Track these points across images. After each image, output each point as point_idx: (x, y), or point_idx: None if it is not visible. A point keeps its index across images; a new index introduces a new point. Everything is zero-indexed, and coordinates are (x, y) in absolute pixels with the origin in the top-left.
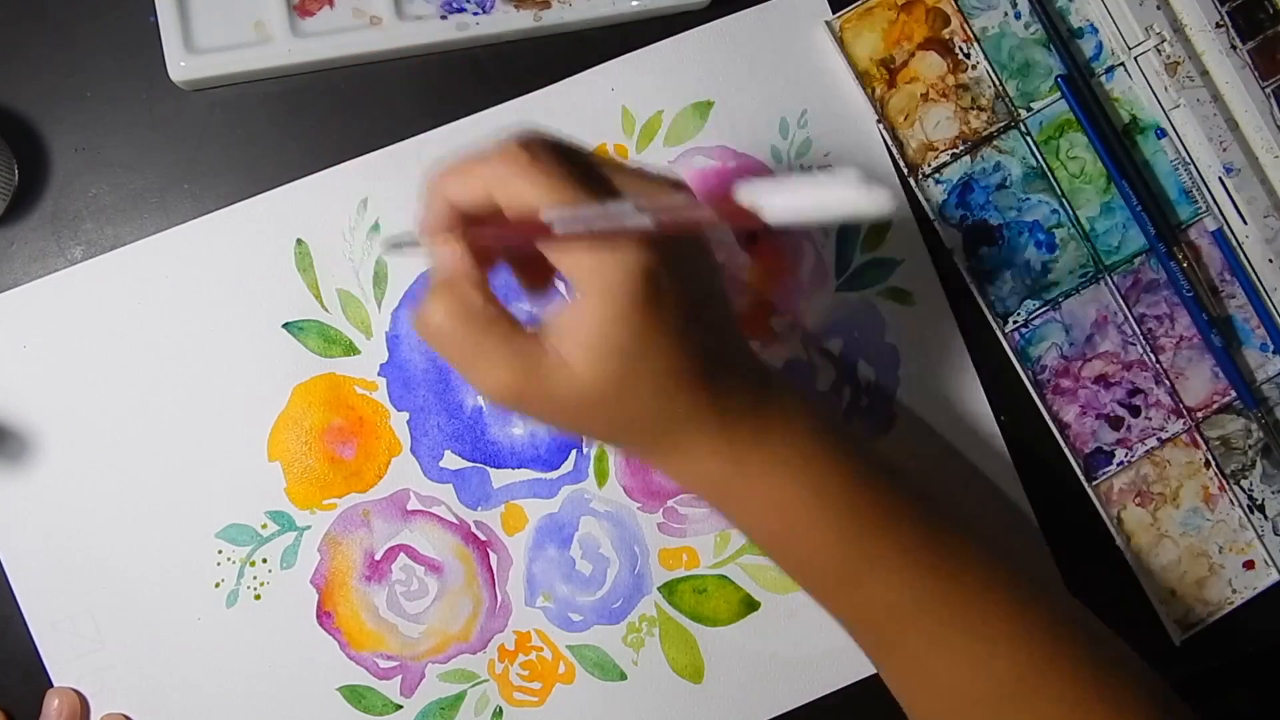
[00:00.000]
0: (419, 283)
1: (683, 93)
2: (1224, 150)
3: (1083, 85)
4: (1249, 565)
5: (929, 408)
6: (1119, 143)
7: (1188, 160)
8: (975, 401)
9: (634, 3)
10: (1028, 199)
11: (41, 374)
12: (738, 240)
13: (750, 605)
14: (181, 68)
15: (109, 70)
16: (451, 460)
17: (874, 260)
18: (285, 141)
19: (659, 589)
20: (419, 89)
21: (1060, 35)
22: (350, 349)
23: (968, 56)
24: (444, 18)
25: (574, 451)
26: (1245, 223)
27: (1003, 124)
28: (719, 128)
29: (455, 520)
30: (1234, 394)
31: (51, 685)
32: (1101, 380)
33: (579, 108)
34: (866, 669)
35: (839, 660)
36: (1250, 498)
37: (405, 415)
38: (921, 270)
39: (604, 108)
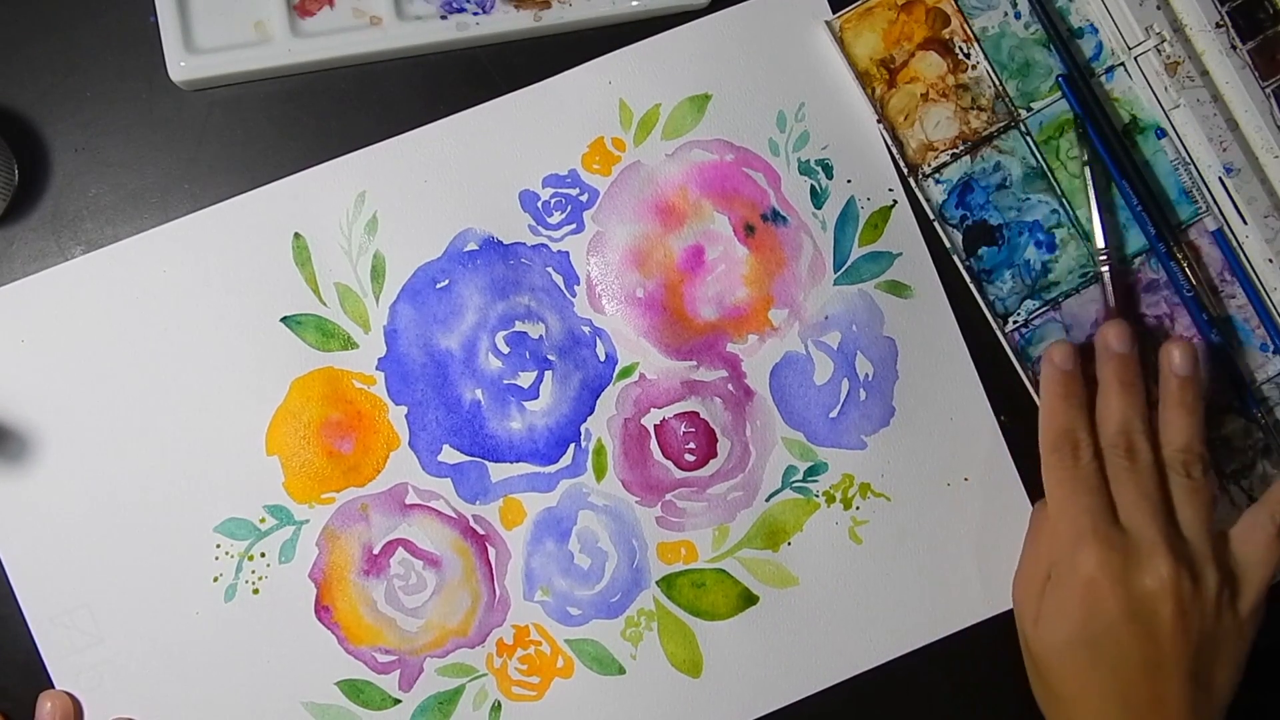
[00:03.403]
0: (417, 277)
1: (680, 86)
2: (1224, 150)
3: (1083, 85)
4: None
5: (928, 400)
6: (1119, 142)
7: (1188, 160)
8: (974, 393)
9: (634, 2)
10: (1028, 199)
11: (39, 369)
12: (735, 234)
13: (749, 599)
14: (181, 68)
15: (109, 70)
16: (450, 454)
17: (871, 253)
18: (285, 141)
19: (657, 583)
20: (419, 89)
21: (1060, 35)
22: (348, 343)
23: (968, 56)
24: (444, 18)
25: (572, 445)
26: (1245, 223)
27: (1003, 124)
28: (716, 121)
29: (453, 514)
30: (1234, 394)
31: (50, 681)
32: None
33: (576, 101)
34: (865, 663)
35: (837, 654)
36: (1250, 498)
37: (403, 409)
38: (919, 263)
39: (601, 101)
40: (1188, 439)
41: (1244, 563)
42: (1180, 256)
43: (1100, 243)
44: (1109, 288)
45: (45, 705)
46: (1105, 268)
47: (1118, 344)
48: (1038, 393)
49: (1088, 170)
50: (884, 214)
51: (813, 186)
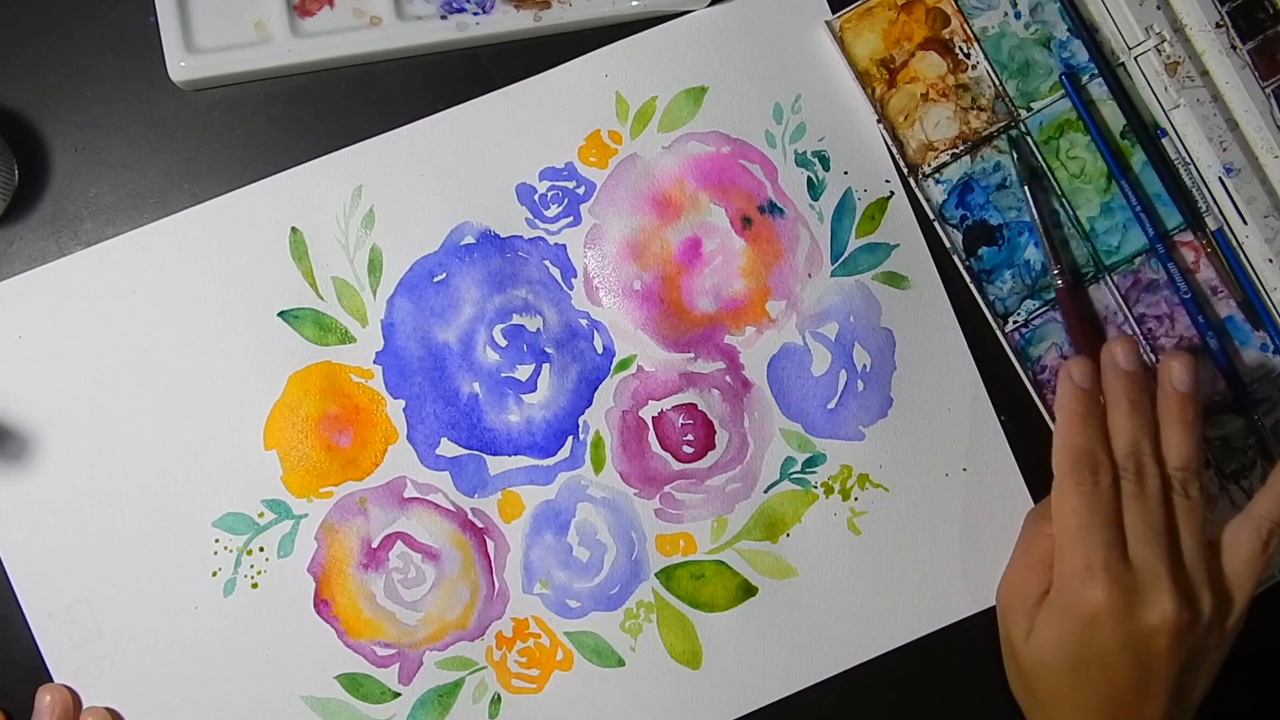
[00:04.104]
0: (414, 271)
1: (676, 78)
2: (1224, 150)
3: (1105, 71)
4: None
5: (926, 390)
6: (1145, 133)
7: (1188, 160)
8: (972, 383)
9: (634, 2)
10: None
11: (37, 364)
12: (732, 225)
13: (748, 591)
14: (181, 68)
15: (109, 70)
16: (448, 447)
17: (869, 245)
18: (285, 141)
19: (656, 575)
20: (419, 89)
21: (1086, 24)
22: (346, 337)
23: (968, 56)
24: (444, 18)
25: (570, 438)
26: (1245, 223)
27: (1003, 124)
28: (713, 113)
29: (452, 507)
30: (1234, 394)
31: (50, 676)
32: None
33: (572, 94)
34: (865, 654)
35: (837, 645)
36: (1250, 498)
37: (401, 403)
38: (916, 254)
39: (597, 94)
40: (1186, 457)
41: (1230, 577)
42: (1205, 242)
43: (1053, 261)
44: (1063, 305)
45: (44, 699)
46: (1060, 282)
47: (1125, 361)
48: (1037, 393)
49: (1027, 190)
50: (881, 205)
51: (809, 178)
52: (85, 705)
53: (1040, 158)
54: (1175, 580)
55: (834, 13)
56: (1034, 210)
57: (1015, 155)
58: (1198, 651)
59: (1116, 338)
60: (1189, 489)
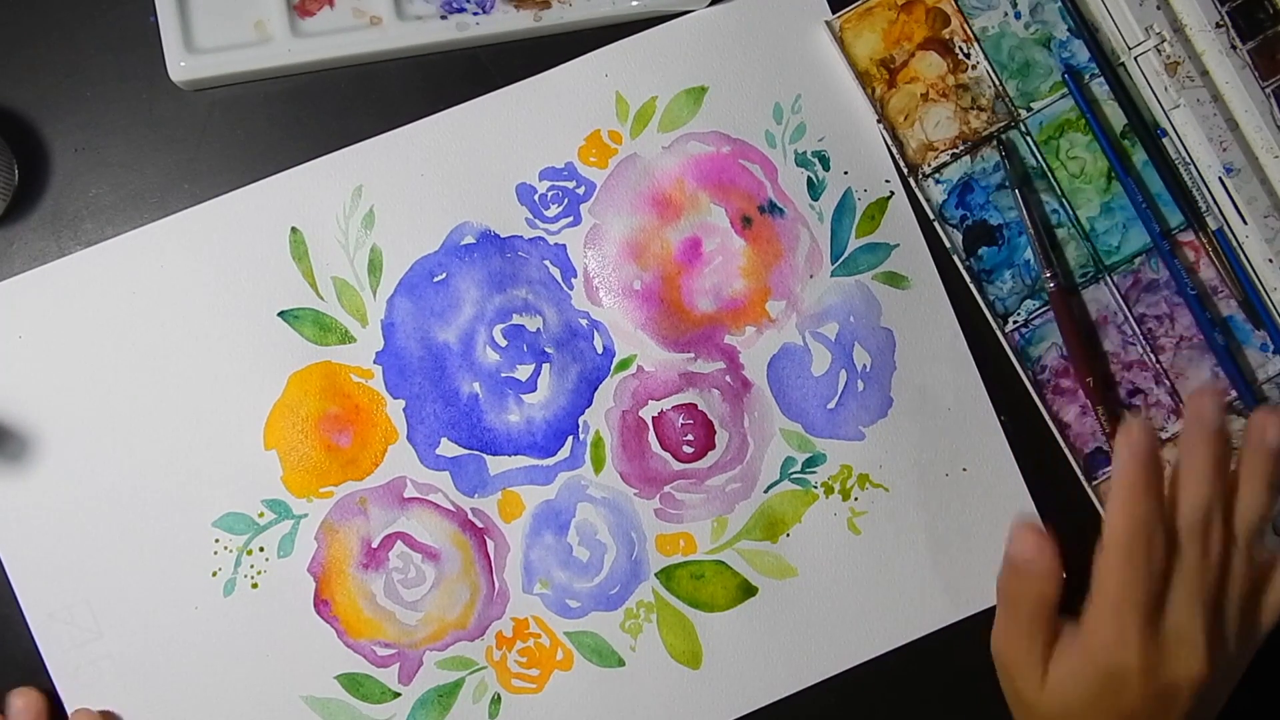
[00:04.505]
0: (414, 270)
1: (676, 78)
2: (1224, 150)
3: (1106, 71)
4: None
5: (926, 390)
6: (1145, 131)
7: (1188, 160)
8: (972, 383)
9: (634, 2)
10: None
11: (36, 364)
12: (732, 225)
13: (748, 591)
14: (181, 68)
15: (109, 70)
16: (448, 447)
17: (869, 245)
18: (285, 142)
19: (656, 575)
20: (419, 89)
21: (1087, 24)
22: (346, 337)
23: (968, 56)
24: (444, 18)
25: (570, 438)
26: (1245, 223)
27: (1003, 124)
28: (713, 113)
29: (452, 507)
30: (1234, 394)
31: (50, 676)
32: (1102, 380)
33: (572, 94)
34: (865, 654)
35: (838, 645)
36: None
37: (401, 403)
38: (916, 254)
39: (597, 94)
40: (1262, 517)
41: (1261, 616)
42: (1205, 243)
43: (1046, 266)
44: (1057, 309)
45: (16, 702)
46: (1051, 285)
47: (1213, 419)
48: (1037, 393)
49: (1017, 193)
50: (881, 205)
51: (809, 178)
52: (85, 706)
53: (1040, 158)
54: (1210, 641)
55: (834, 13)
56: (1024, 214)
57: (1004, 156)
58: (1214, 688)
59: (1205, 389)
60: (1256, 550)
